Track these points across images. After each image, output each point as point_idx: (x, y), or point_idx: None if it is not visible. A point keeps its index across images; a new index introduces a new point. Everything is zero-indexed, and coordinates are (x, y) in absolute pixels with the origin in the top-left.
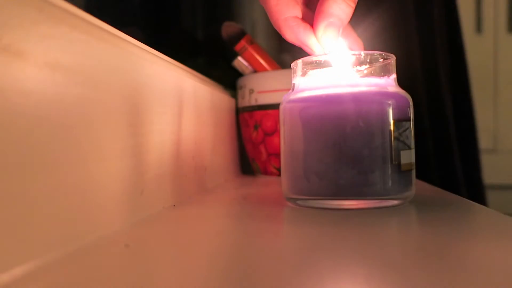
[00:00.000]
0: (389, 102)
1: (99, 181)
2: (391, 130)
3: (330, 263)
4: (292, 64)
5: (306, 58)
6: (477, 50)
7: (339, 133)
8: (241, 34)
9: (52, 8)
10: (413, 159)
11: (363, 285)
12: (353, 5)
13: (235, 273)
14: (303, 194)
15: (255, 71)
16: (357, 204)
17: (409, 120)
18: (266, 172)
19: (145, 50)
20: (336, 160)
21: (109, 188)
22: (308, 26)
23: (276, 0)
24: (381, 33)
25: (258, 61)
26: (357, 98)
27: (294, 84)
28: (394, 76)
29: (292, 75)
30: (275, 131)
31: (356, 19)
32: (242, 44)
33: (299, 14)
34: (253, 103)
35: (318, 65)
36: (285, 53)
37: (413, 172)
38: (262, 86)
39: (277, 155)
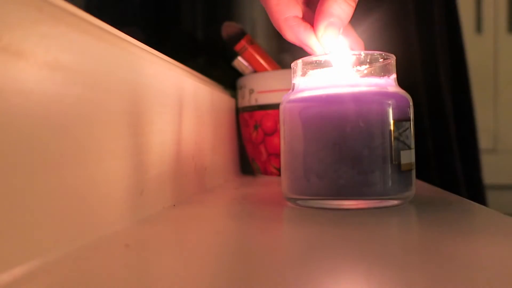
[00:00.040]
0: (389, 102)
1: (99, 181)
2: (391, 130)
3: (330, 263)
4: (292, 64)
5: (306, 58)
6: (477, 50)
7: (339, 133)
8: (241, 34)
9: (52, 8)
10: (413, 159)
11: (363, 285)
12: (354, 5)
13: (235, 273)
14: (303, 194)
15: (255, 71)
16: (357, 204)
17: (409, 120)
18: (266, 172)
19: (145, 50)
20: (336, 160)
21: (109, 188)
22: (308, 25)
23: (277, 0)
24: (381, 33)
25: (258, 61)
26: (357, 98)
27: (294, 84)
28: (394, 76)
29: (292, 75)
30: (275, 131)
31: (356, 19)
32: (242, 44)
33: (300, 14)
34: (253, 103)
35: (318, 65)
36: (285, 53)
37: (413, 172)
38: (262, 86)
39: (277, 155)
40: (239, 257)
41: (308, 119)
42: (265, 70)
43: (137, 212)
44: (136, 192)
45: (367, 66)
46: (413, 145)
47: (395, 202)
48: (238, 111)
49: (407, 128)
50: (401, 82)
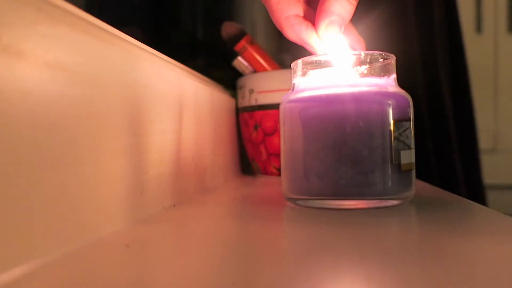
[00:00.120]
0: (389, 102)
1: (99, 181)
2: (391, 130)
3: (330, 263)
4: (292, 64)
5: (306, 58)
6: (477, 50)
7: (339, 133)
8: (241, 34)
9: (51, 8)
10: (413, 159)
11: (363, 285)
12: (355, 3)
13: (235, 273)
14: (303, 194)
15: (255, 71)
16: (357, 204)
17: (409, 120)
18: (266, 172)
19: (145, 50)
20: (336, 160)
21: (109, 188)
22: (309, 24)
23: None
24: (381, 33)
25: (258, 61)
26: (357, 98)
27: (294, 84)
28: (394, 76)
29: (292, 75)
30: (275, 131)
31: (356, 19)
32: (242, 44)
33: (301, 13)
34: (253, 103)
35: (318, 65)
36: (285, 53)
37: (413, 172)
38: (262, 86)
39: (277, 155)
40: (239, 257)
41: (308, 119)
42: (265, 70)
43: (137, 212)
44: (136, 192)
45: (367, 66)
46: (413, 145)
47: (395, 202)
48: (238, 111)
49: (407, 128)
50: (401, 82)
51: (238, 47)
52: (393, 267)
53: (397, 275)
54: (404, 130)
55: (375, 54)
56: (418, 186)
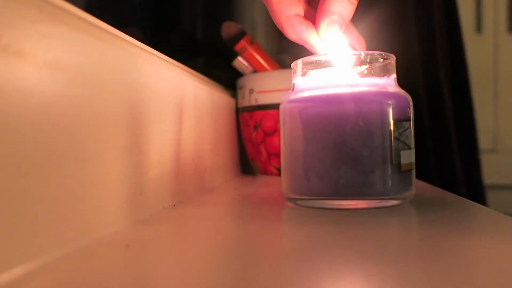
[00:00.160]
0: (389, 102)
1: (99, 181)
2: (391, 130)
3: (330, 263)
4: (292, 64)
5: (306, 58)
6: (477, 50)
7: (339, 133)
8: (241, 34)
9: (52, 8)
10: (413, 159)
11: (363, 285)
12: (355, 3)
13: (235, 273)
14: (303, 194)
15: (255, 71)
16: (357, 204)
17: (409, 120)
18: (266, 172)
19: (145, 50)
20: (336, 160)
21: (109, 188)
22: (310, 24)
23: None
24: (381, 33)
25: (258, 61)
26: (357, 98)
27: (294, 84)
28: (394, 76)
29: (292, 75)
30: (275, 131)
31: (356, 18)
32: (242, 44)
33: (301, 12)
34: (253, 103)
35: (318, 65)
36: (285, 53)
37: (413, 172)
38: (262, 86)
39: (277, 155)
40: (239, 257)
41: (308, 119)
42: (265, 70)
43: (137, 212)
44: (136, 192)
45: (367, 66)
46: (413, 145)
47: (395, 202)
48: (238, 111)
49: (407, 128)
50: (401, 82)
51: (238, 47)
52: (393, 267)
53: (397, 275)
54: (404, 130)
55: (375, 54)
56: (418, 186)
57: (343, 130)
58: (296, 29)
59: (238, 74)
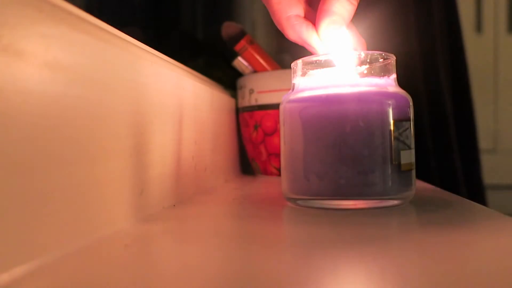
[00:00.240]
0: (389, 102)
1: (98, 181)
2: (391, 130)
3: (330, 263)
4: (292, 64)
5: (306, 58)
6: (477, 50)
7: (339, 133)
8: (241, 34)
9: (52, 8)
10: (413, 159)
11: (363, 285)
12: (356, 3)
13: (235, 273)
14: (303, 194)
15: (255, 71)
16: (357, 204)
17: (409, 120)
18: (266, 172)
19: (145, 50)
20: (336, 160)
21: (109, 188)
22: (310, 24)
23: None
24: (381, 33)
25: (258, 61)
26: (357, 98)
27: (294, 84)
28: (394, 76)
29: (292, 75)
30: (275, 131)
31: (356, 18)
32: (242, 44)
33: (301, 13)
34: (253, 103)
35: (318, 65)
36: (285, 53)
37: (413, 172)
38: (262, 86)
39: (277, 155)
40: (239, 257)
41: (308, 119)
42: (265, 70)
43: (137, 212)
44: (136, 192)
45: (367, 66)
46: (413, 145)
47: (395, 202)
48: (238, 111)
49: (407, 128)
50: (401, 82)
51: (238, 47)
52: (393, 267)
53: (397, 274)
54: (404, 130)
55: (375, 54)
56: (418, 186)
57: (343, 130)
58: (296, 30)
59: (238, 74)
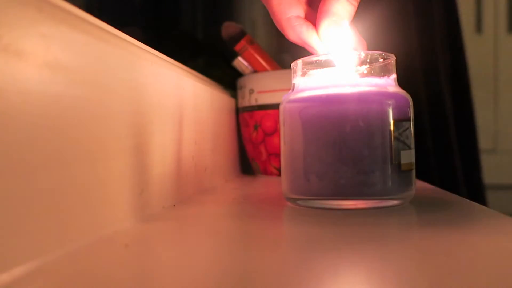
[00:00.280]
0: (389, 102)
1: (98, 181)
2: (391, 130)
3: (330, 263)
4: (292, 64)
5: (306, 58)
6: (477, 50)
7: (339, 133)
8: (241, 34)
9: (52, 8)
10: (413, 159)
11: (363, 285)
12: (356, 4)
13: (235, 273)
14: (303, 194)
15: (255, 71)
16: (357, 204)
17: (409, 120)
18: (266, 172)
19: (145, 50)
20: (336, 160)
21: (109, 188)
22: (310, 25)
23: (279, 0)
24: (381, 33)
25: (258, 61)
26: (357, 98)
27: (294, 84)
28: (394, 76)
29: (292, 75)
30: (275, 131)
31: (356, 18)
32: (242, 44)
33: (302, 14)
34: (253, 103)
35: (318, 65)
36: (285, 53)
37: (413, 172)
38: (262, 86)
39: (277, 155)
40: (239, 257)
41: (308, 119)
42: (265, 70)
43: (137, 212)
44: (136, 192)
45: (367, 66)
46: (413, 145)
47: (395, 202)
48: (238, 111)
49: (407, 128)
50: (401, 82)
51: (238, 47)
52: (393, 267)
53: (397, 275)
54: (404, 130)
55: (375, 54)
56: (418, 186)
57: (343, 130)
58: (297, 31)
59: (238, 74)
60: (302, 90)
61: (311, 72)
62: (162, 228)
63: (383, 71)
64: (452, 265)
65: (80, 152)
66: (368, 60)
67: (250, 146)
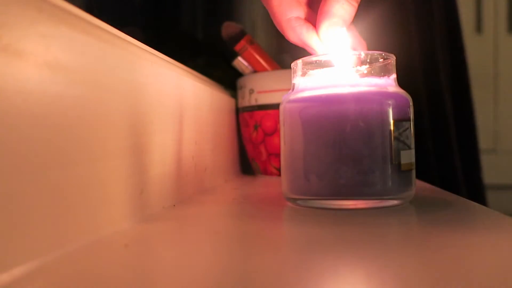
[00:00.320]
0: (389, 102)
1: (99, 181)
2: (391, 130)
3: (330, 263)
4: (292, 64)
5: (306, 58)
6: (477, 50)
7: (339, 133)
8: (241, 34)
9: (52, 8)
10: (413, 159)
11: (363, 285)
12: (356, 5)
13: (235, 273)
14: (303, 194)
15: (255, 71)
16: (357, 204)
17: (409, 120)
18: (266, 172)
19: (145, 50)
20: (336, 160)
21: (109, 188)
22: (311, 26)
23: (279, 1)
24: (381, 33)
25: (258, 61)
26: (357, 98)
27: (294, 84)
28: (394, 76)
29: (292, 75)
30: (275, 131)
31: (356, 19)
32: (242, 44)
33: (302, 15)
34: (253, 103)
35: (318, 65)
36: (285, 53)
37: (413, 172)
38: (262, 86)
39: (277, 155)
40: (239, 257)
41: (308, 119)
42: (265, 70)
43: (137, 212)
44: (136, 192)
45: (367, 66)
46: (413, 145)
47: (395, 202)
48: (238, 111)
49: (407, 128)
50: (401, 82)
51: (238, 47)
52: (393, 267)
53: (397, 275)
54: (404, 130)
55: (375, 54)
56: (418, 186)
57: (343, 130)
58: (297, 32)
59: (238, 74)
60: (302, 90)
61: (311, 72)
62: (162, 228)
63: (383, 71)
64: (452, 265)
65: (80, 152)
66: (368, 60)
67: (250, 146)
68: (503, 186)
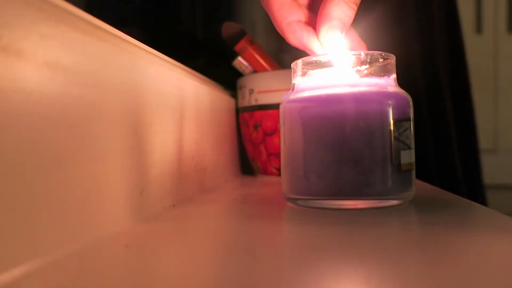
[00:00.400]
0: (389, 102)
1: (99, 181)
2: (391, 130)
3: (330, 263)
4: (292, 64)
5: (306, 58)
6: (477, 50)
7: (339, 133)
8: (241, 34)
9: (52, 8)
10: (413, 159)
11: (363, 285)
12: (355, 8)
13: (235, 273)
14: (303, 194)
15: (255, 71)
16: (357, 204)
17: (409, 120)
18: (266, 172)
19: (145, 50)
20: (336, 160)
21: (109, 188)
22: (311, 29)
23: (279, 5)
24: (381, 33)
25: (258, 61)
26: (357, 98)
27: (294, 84)
28: (394, 76)
29: (292, 75)
30: (275, 131)
31: (356, 19)
32: (242, 44)
33: (302, 18)
34: (253, 103)
35: (318, 65)
36: (285, 53)
37: (413, 172)
38: (262, 86)
39: (277, 155)
40: (239, 257)
41: (308, 119)
42: (265, 70)
43: (137, 212)
44: (136, 192)
45: (367, 66)
46: (413, 145)
47: (395, 202)
48: (238, 111)
49: (407, 128)
50: (401, 82)
51: (238, 47)
52: (393, 267)
53: (397, 275)
54: (404, 130)
55: (375, 54)
56: (418, 186)
57: (343, 130)
58: (297, 35)
59: (238, 74)
60: (302, 90)
61: (311, 72)
62: (162, 228)
63: (383, 71)
64: (452, 264)
65: (80, 152)
66: (368, 60)
67: (250, 146)
68: (503, 186)
